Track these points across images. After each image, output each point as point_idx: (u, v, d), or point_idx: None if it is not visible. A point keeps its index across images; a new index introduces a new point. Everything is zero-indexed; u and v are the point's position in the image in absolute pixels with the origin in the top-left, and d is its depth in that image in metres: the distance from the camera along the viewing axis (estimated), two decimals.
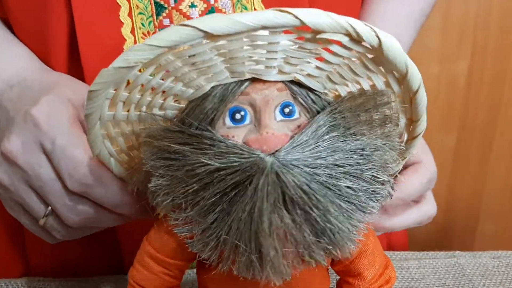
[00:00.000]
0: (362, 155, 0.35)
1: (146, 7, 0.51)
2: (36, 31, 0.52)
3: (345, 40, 0.30)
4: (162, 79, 0.33)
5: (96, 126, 0.35)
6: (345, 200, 0.35)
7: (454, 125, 1.15)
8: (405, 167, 0.47)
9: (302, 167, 0.33)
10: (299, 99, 0.35)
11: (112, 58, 0.31)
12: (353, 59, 0.32)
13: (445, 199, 1.21)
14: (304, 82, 0.34)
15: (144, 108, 0.35)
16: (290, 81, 0.34)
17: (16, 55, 0.52)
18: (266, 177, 0.33)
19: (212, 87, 0.34)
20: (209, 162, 0.33)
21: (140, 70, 0.32)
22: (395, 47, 0.30)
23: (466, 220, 1.23)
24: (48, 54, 0.52)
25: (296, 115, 0.35)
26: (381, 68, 0.33)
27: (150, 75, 0.32)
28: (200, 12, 0.52)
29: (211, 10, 0.53)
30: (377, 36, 0.29)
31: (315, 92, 0.35)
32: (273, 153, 0.33)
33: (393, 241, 0.67)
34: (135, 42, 0.50)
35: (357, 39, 0.29)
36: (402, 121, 0.37)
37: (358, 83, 0.35)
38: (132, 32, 0.50)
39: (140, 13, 0.51)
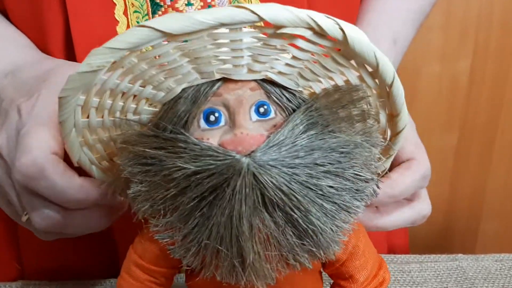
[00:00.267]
0: (342, 152, 0.34)
1: (142, 5, 0.50)
2: (33, 27, 0.52)
3: (308, 34, 0.29)
4: (131, 83, 0.33)
5: (71, 133, 0.35)
6: (327, 200, 0.34)
7: (456, 125, 1.13)
8: (398, 164, 0.45)
9: (280, 167, 0.32)
10: (274, 97, 0.34)
11: None
12: (323, 54, 0.31)
13: (446, 200, 1.20)
14: (276, 80, 0.33)
15: (118, 114, 0.35)
16: (263, 79, 0.34)
17: (12, 43, 0.52)
18: (243, 179, 0.32)
19: (184, 89, 0.33)
20: (185, 166, 0.33)
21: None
22: (362, 40, 0.30)
23: (468, 220, 1.21)
24: (45, 47, 0.52)
25: (272, 115, 0.34)
26: (352, 62, 0.32)
27: (118, 79, 0.32)
28: (196, 10, 0.52)
29: (208, 8, 0.53)
30: (341, 29, 0.29)
31: (289, 90, 0.34)
32: (249, 154, 0.32)
33: (394, 244, 0.65)
34: None
35: (320, 33, 0.29)
36: (383, 117, 0.36)
37: (332, 78, 0.34)
38: None
39: (135, 11, 0.51)
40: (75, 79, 0.30)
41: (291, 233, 0.34)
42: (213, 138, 0.34)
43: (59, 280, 0.55)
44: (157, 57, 0.30)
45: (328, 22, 0.28)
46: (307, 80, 0.33)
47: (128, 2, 0.50)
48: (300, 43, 0.30)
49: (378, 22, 0.60)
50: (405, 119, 0.35)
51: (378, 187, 0.36)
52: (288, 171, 0.33)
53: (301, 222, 0.34)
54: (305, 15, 0.28)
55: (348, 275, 0.39)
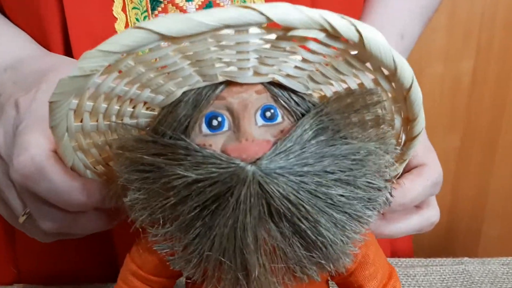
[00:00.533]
0: (354, 160, 0.32)
1: (141, 2, 0.48)
2: (31, 25, 0.51)
3: (321, 36, 0.27)
4: (127, 86, 0.30)
5: (64, 138, 0.33)
6: (337, 209, 0.32)
7: (458, 125, 1.12)
8: (408, 169, 0.43)
9: (287, 175, 0.30)
10: (281, 101, 0.32)
11: None
12: (335, 56, 0.29)
13: (448, 201, 1.19)
14: (284, 83, 0.31)
15: (113, 118, 0.33)
16: (270, 82, 0.31)
17: (12, 38, 0.50)
18: (248, 188, 0.30)
19: (184, 92, 0.31)
20: (185, 174, 0.31)
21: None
22: (379, 42, 0.27)
23: (470, 222, 1.20)
24: (44, 44, 0.50)
25: (279, 119, 0.32)
26: (367, 65, 0.29)
27: (113, 83, 0.30)
28: (197, 6, 0.50)
29: (208, 4, 0.50)
30: (357, 30, 0.26)
31: (298, 93, 0.32)
32: (254, 162, 0.30)
33: (397, 247, 0.63)
34: None
35: (334, 35, 0.26)
36: (398, 121, 0.34)
37: (344, 81, 0.32)
38: (126, 28, 0.48)
39: (134, 8, 0.48)
40: (66, 83, 0.28)
41: (298, 245, 0.32)
42: (215, 144, 0.32)
43: (56, 285, 0.54)
44: (156, 60, 0.28)
45: (343, 23, 0.26)
46: (318, 83, 0.31)
47: None
48: (312, 45, 0.28)
49: (385, 16, 0.58)
50: (422, 123, 0.33)
51: (391, 195, 0.34)
52: (296, 179, 0.31)
53: (310, 234, 0.32)
54: (318, 16, 0.25)
55: (357, 285, 0.38)
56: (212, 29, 0.25)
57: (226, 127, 0.32)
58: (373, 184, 0.33)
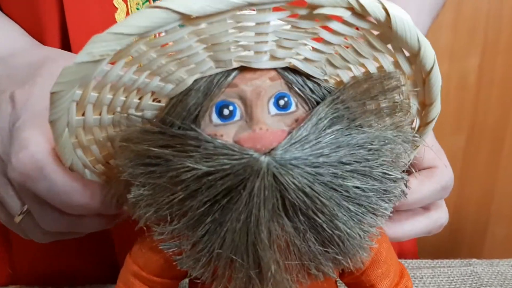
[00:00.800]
0: (370, 149, 0.31)
1: None
2: (27, 16, 0.49)
3: (347, 15, 0.26)
4: (136, 75, 0.29)
5: (64, 134, 0.31)
6: (353, 202, 0.31)
7: (464, 125, 1.12)
8: (418, 170, 0.42)
9: (302, 166, 0.29)
10: (295, 88, 0.30)
11: None
12: (357, 37, 0.28)
13: (454, 202, 1.18)
14: (300, 68, 0.29)
15: (118, 110, 0.31)
16: (284, 68, 0.30)
17: (3, 30, 0.48)
18: (262, 180, 0.29)
19: (195, 81, 0.30)
20: (195, 166, 0.29)
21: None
22: (406, 21, 0.26)
23: (476, 223, 1.20)
24: (41, 37, 0.48)
25: (293, 108, 0.31)
26: (389, 46, 0.29)
27: (121, 71, 0.28)
28: None
29: None
30: (384, 9, 0.25)
31: (313, 79, 0.31)
32: (268, 152, 0.29)
33: (404, 248, 0.62)
34: None
35: (361, 13, 0.25)
36: (414, 107, 0.33)
37: (363, 65, 0.31)
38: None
39: None
40: (72, 71, 0.26)
41: (313, 240, 0.31)
42: (227, 134, 0.30)
43: (53, 286, 0.52)
44: (169, 44, 0.26)
45: (370, 1, 0.25)
46: (336, 67, 0.30)
47: None
48: (334, 25, 0.27)
49: None
50: (438, 108, 0.32)
51: (407, 187, 0.33)
52: (312, 170, 0.29)
53: (326, 228, 0.30)
54: None
55: (369, 284, 0.36)
56: (235, 7, 0.23)
57: (237, 117, 0.30)
58: (389, 175, 0.32)
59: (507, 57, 1.09)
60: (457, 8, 1.05)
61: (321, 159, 0.30)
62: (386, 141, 0.31)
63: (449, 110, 1.10)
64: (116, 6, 0.46)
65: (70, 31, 0.46)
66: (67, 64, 0.27)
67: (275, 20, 0.26)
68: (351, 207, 0.31)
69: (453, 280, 0.50)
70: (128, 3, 0.46)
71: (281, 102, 0.30)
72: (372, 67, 0.31)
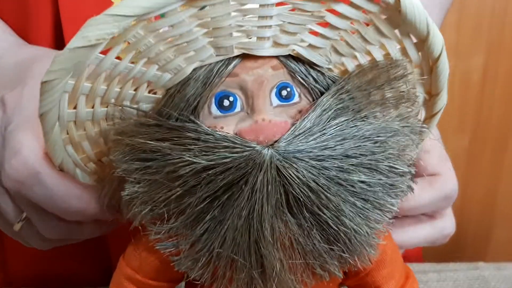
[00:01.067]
0: (376, 142, 0.30)
1: None
2: (13, 8, 0.47)
3: None
4: (132, 62, 0.27)
5: (54, 128, 0.29)
6: (359, 197, 0.30)
7: (468, 124, 1.10)
8: (421, 176, 0.40)
9: (307, 160, 0.28)
10: (299, 78, 0.29)
11: None
12: (364, 22, 0.27)
13: (456, 204, 1.16)
14: (304, 55, 0.28)
15: (112, 102, 0.29)
16: (287, 57, 0.29)
17: None
18: (265, 174, 0.28)
19: (194, 70, 0.28)
20: (194, 160, 0.28)
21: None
22: (415, 4, 0.25)
23: (479, 226, 1.18)
24: (29, 31, 0.47)
25: (296, 99, 0.30)
26: (396, 31, 0.28)
27: (117, 58, 0.27)
28: None
29: None
30: None
31: (317, 68, 0.29)
32: (271, 145, 0.28)
33: (408, 251, 0.61)
34: None
35: None
36: (421, 97, 0.32)
37: (369, 53, 0.30)
38: None
39: None
40: (66, 57, 0.25)
41: (318, 237, 0.30)
42: (227, 126, 0.29)
43: None
44: (168, 29, 0.25)
45: None
46: (341, 55, 0.29)
47: None
48: (341, 8, 0.26)
49: None
50: (445, 98, 0.31)
51: (413, 182, 0.32)
52: (317, 164, 0.28)
53: (331, 224, 0.29)
54: None
55: (374, 286, 0.35)
56: None
57: (238, 108, 0.29)
58: (396, 168, 0.31)
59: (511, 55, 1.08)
60: (461, 6, 1.04)
61: (326, 152, 0.29)
62: (393, 132, 0.30)
63: (452, 109, 1.09)
64: (113, 0, 0.45)
65: (64, 25, 0.44)
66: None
67: (280, 3, 0.25)
68: (357, 203, 0.30)
69: (459, 284, 0.49)
70: None
71: (284, 93, 0.29)
72: (379, 55, 0.30)
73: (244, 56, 0.28)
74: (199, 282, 0.30)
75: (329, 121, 0.29)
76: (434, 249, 1.09)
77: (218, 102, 0.29)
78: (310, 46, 0.28)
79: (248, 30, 0.27)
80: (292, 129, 0.28)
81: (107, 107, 0.30)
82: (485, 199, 1.17)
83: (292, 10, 0.26)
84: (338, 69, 0.30)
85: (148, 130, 0.29)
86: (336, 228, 0.29)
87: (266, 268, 0.29)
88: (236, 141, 0.28)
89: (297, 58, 0.29)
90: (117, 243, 0.46)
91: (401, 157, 0.31)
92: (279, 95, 0.29)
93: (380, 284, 0.35)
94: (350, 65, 0.30)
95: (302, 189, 0.28)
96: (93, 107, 0.29)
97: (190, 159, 0.28)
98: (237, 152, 0.28)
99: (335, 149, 0.29)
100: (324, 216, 0.29)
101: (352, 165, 0.29)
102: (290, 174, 0.28)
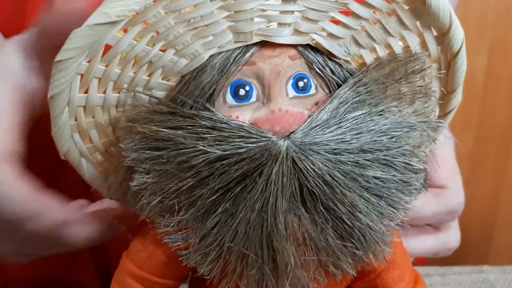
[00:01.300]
0: (393, 137, 0.29)
1: None
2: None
3: None
4: (149, 45, 0.27)
5: (63, 113, 0.29)
6: (373, 193, 0.29)
7: (471, 125, 1.09)
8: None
9: (323, 152, 0.28)
10: (316, 69, 0.29)
11: None
12: (387, 11, 0.27)
13: None
14: (323, 45, 0.28)
15: (125, 87, 0.29)
16: (304, 47, 0.28)
17: None
18: (281, 166, 0.27)
19: (211, 57, 0.28)
20: (208, 150, 0.27)
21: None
22: None
23: (482, 229, 1.17)
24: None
25: (313, 90, 0.29)
26: (417, 23, 0.27)
27: (135, 39, 0.26)
28: None
29: None
30: None
31: (334, 59, 0.29)
32: (287, 136, 0.27)
33: None
34: None
35: None
36: (438, 92, 0.31)
37: (389, 46, 0.29)
38: None
39: None
40: (83, 34, 0.24)
41: (332, 234, 0.29)
42: (242, 116, 0.28)
43: None
44: (189, 10, 0.25)
45: None
46: (360, 46, 0.29)
47: None
48: None
49: None
50: (460, 96, 0.31)
51: (427, 180, 0.32)
52: (333, 157, 0.28)
53: (346, 220, 0.29)
54: None
55: None
56: None
57: (254, 98, 0.29)
58: (411, 165, 0.30)
59: None
60: (465, 5, 1.03)
61: (342, 146, 0.28)
62: (410, 128, 0.29)
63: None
64: None
65: None
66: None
67: None
68: (372, 199, 0.29)
69: (464, 287, 0.49)
70: None
71: (301, 84, 0.29)
72: (398, 48, 0.29)
73: (262, 45, 0.28)
74: (207, 278, 0.29)
75: (345, 114, 0.28)
76: None
77: (233, 91, 0.28)
78: (330, 35, 0.28)
79: (270, 15, 0.26)
80: (309, 120, 0.28)
81: (118, 93, 0.29)
82: (487, 202, 1.16)
83: None
84: (356, 61, 0.30)
85: (161, 117, 0.28)
86: (350, 224, 0.29)
87: (279, 263, 0.28)
88: (251, 131, 0.27)
89: (315, 49, 0.29)
90: (116, 246, 0.45)
91: (416, 154, 0.30)
92: (295, 86, 0.29)
93: (390, 286, 0.34)
94: (369, 58, 0.29)
95: (317, 183, 0.27)
96: (104, 92, 0.29)
97: (204, 148, 0.27)
98: (252, 142, 0.27)
99: (351, 143, 0.28)
100: (339, 211, 0.28)
101: (368, 160, 0.29)
102: (306, 167, 0.27)
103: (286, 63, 0.28)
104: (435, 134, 0.31)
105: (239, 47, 0.28)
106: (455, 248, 0.43)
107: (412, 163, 0.30)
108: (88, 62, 0.27)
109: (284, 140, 0.27)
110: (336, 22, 0.27)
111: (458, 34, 0.28)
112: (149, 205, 0.29)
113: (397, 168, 0.30)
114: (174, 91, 0.29)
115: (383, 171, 0.29)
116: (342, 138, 0.28)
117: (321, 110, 0.28)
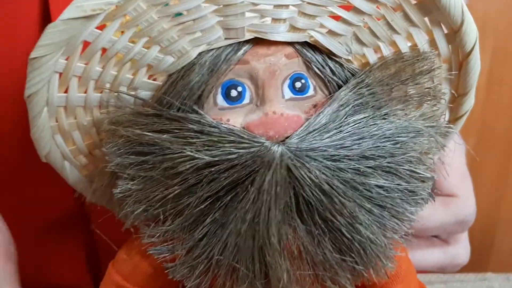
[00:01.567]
0: (397, 142, 0.27)
1: None
2: None
3: None
4: (132, 41, 0.25)
5: (42, 114, 0.27)
6: (375, 203, 0.27)
7: (473, 129, 1.08)
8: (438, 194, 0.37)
9: (321, 159, 0.26)
10: (314, 68, 0.27)
11: None
12: (392, 6, 0.24)
13: None
14: (322, 43, 0.26)
15: (107, 86, 0.27)
16: (302, 45, 0.26)
17: None
18: (274, 174, 0.25)
19: (200, 54, 0.26)
20: (196, 156, 0.25)
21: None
22: None
23: (482, 235, 1.15)
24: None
25: (311, 92, 0.27)
26: (426, 20, 0.25)
27: (114, 35, 0.24)
28: None
29: None
30: None
31: (335, 58, 0.27)
32: (282, 141, 0.26)
33: None
34: None
35: None
36: (447, 95, 0.29)
37: (394, 44, 0.27)
38: None
39: None
40: (58, 30, 0.22)
41: (330, 247, 0.27)
42: (234, 119, 0.26)
43: None
44: (174, 3, 0.23)
45: None
46: (363, 44, 0.27)
47: None
48: None
49: None
50: (472, 99, 0.29)
51: (435, 189, 0.29)
52: (331, 165, 0.26)
53: (345, 232, 0.27)
54: None
55: None
56: None
57: (247, 100, 0.27)
58: (417, 173, 0.28)
59: None
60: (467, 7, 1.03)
61: (341, 152, 0.26)
62: (416, 133, 0.27)
63: None
64: None
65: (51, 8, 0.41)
66: None
67: None
68: (374, 209, 0.27)
69: None
70: None
71: (298, 85, 0.27)
72: (404, 46, 0.27)
73: (256, 42, 0.26)
74: None
75: (346, 117, 0.26)
76: None
77: (225, 92, 0.26)
78: (330, 32, 0.26)
79: (263, 9, 0.24)
80: (306, 124, 0.26)
81: (101, 92, 0.27)
82: (488, 209, 1.15)
83: None
84: (358, 61, 0.28)
85: (146, 120, 0.26)
86: (349, 237, 0.27)
87: (271, 278, 0.26)
88: (243, 136, 0.25)
89: (314, 47, 0.27)
90: (107, 251, 0.43)
91: (423, 161, 0.28)
92: (292, 87, 0.27)
93: None
94: (372, 57, 0.27)
95: (314, 192, 0.26)
96: (85, 92, 0.27)
97: (191, 154, 0.25)
98: (244, 148, 0.25)
99: (352, 149, 0.26)
100: (337, 222, 0.26)
101: (370, 167, 0.27)
102: (302, 175, 0.25)
103: (282, 62, 0.26)
104: (444, 140, 0.29)
105: (230, 45, 0.26)
106: (463, 265, 0.41)
107: (418, 171, 0.28)
108: (67, 59, 0.25)
109: (279, 146, 0.25)
110: (336, 17, 0.25)
111: (471, 32, 0.25)
112: (133, 214, 0.27)
113: (402, 176, 0.28)
114: (160, 91, 0.27)
115: (386, 180, 0.27)
116: (342, 144, 0.26)
117: (320, 113, 0.26)
